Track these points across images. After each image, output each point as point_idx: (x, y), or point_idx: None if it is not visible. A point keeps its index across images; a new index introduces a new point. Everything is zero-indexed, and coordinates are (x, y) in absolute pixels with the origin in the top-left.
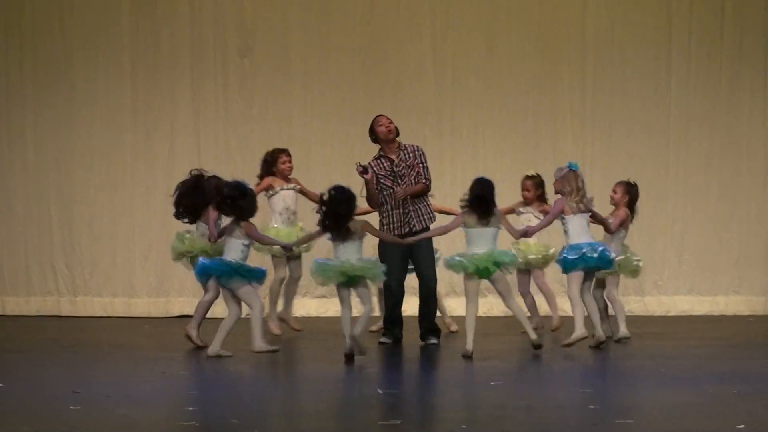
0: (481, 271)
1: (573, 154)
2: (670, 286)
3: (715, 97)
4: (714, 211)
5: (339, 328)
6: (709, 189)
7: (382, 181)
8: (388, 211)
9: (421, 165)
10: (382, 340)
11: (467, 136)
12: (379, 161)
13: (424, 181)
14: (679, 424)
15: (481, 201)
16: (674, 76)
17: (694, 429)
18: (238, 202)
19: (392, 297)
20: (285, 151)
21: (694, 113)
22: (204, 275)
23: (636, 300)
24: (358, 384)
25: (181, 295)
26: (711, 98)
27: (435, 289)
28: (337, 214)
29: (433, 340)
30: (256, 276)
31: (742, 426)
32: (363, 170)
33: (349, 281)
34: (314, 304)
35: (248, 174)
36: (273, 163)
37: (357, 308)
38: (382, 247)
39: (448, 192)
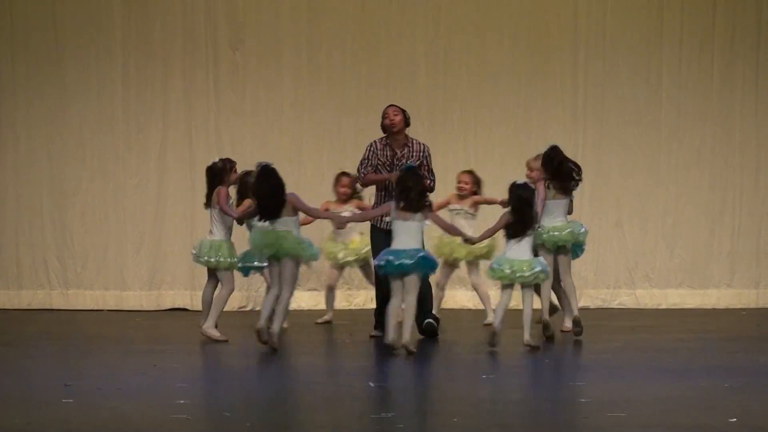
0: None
1: (565, 146)
2: (662, 279)
3: (707, 89)
4: (706, 203)
5: (335, 321)
6: (701, 181)
7: (380, 169)
8: (380, 201)
9: (425, 166)
10: (374, 333)
11: (459, 130)
12: (384, 148)
13: (427, 181)
14: (671, 417)
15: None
16: (666, 68)
17: (687, 422)
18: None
19: (383, 288)
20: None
21: (685, 106)
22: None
23: (627, 293)
24: (350, 377)
25: (172, 288)
26: (703, 90)
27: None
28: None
29: (429, 319)
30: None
31: (735, 419)
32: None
33: (277, 255)
34: (305, 296)
35: (240, 165)
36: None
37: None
38: (374, 236)
39: (439, 186)
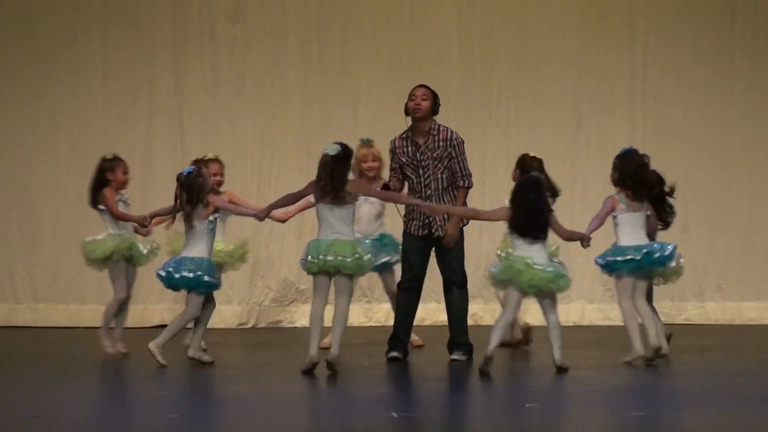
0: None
1: (621, 135)
2: (736, 290)
3: None
4: None
5: (347, 340)
6: None
7: (404, 170)
8: (412, 207)
9: (457, 159)
10: (393, 354)
11: (497, 118)
12: (405, 142)
13: (462, 183)
14: None
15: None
16: (738, 42)
17: None
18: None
19: (402, 297)
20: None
21: (762, 86)
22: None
23: (695, 306)
24: (369, 406)
25: (160, 302)
26: None
27: (465, 287)
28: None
29: (457, 356)
30: None
31: None
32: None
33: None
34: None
35: (240, 155)
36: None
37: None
38: (406, 242)
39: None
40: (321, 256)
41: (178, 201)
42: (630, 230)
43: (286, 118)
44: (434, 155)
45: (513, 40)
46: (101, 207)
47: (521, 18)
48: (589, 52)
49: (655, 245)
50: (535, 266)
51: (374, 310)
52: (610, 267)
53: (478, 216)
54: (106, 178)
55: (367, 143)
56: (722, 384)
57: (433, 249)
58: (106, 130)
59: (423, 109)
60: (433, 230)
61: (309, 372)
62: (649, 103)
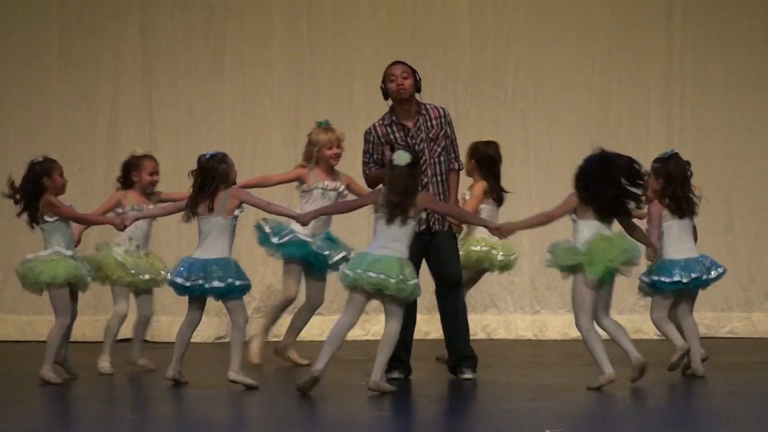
0: None
1: (656, 122)
2: None
3: None
4: None
5: (341, 356)
6: None
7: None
8: None
9: (452, 138)
10: (395, 375)
11: (513, 101)
12: (389, 128)
13: (455, 165)
14: None
15: None
16: None
17: None
18: None
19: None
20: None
21: None
22: None
23: (740, 317)
24: None
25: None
26: None
27: (461, 293)
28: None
29: (468, 375)
30: None
31: None
32: None
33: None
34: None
35: (216, 143)
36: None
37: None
38: None
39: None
40: (360, 270)
41: (198, 189)
42: (676, 240)
43: (270, 98)
44: (429, 136)
45: (531, 14)
46: (48, 218)
47: None
48: (619, 28)
49: (705, 262)
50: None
51: (372, 322)
52: (655, 286)
53: (551, 218)
54: (43, 183)
55: (327, 126)
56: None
57: (427, 247)
58: (64, 115)
59: (407, 87)
60: (431, 224)
61: (306, 389)
62: (688, 87)
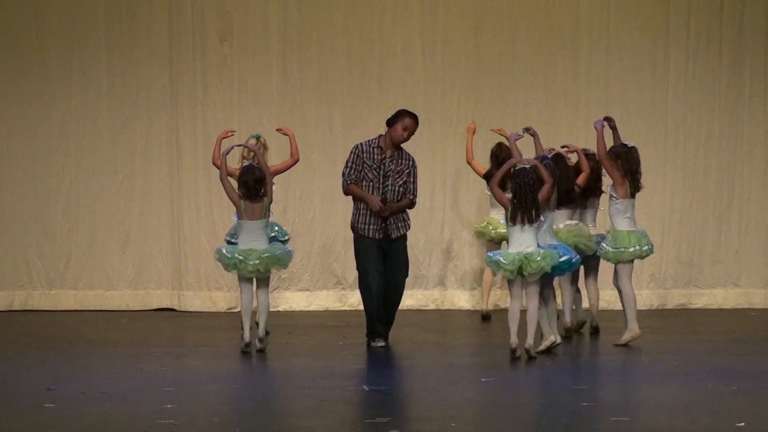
0: None
1: (567, 139)
2: (667, 278)
3: (714, 80)
4: (713, 199)
5: (323, 323)
6: (708, 176)
7: (366, 171)
8: (365, 210)
9: (411, 178)
10: (377, 344)
11: (457, 124)
12: (372, 149)
13: (410, 197)
14: (676, 422)
15: None
16: (672, 58)
17: (693, 427)
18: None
19: (373, 294)
20: None
21: (692, 97)
22: None
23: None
24: (343, 381)
25: (159, 288)
26: (710, 82)
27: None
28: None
29: (381, 343)
30: None
31: (743, 424)
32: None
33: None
34: (297, 297)
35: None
36: None
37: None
38: (358, 244)
39: (437, 180)
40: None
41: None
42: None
43: (269, 121)
44: (397, 168)
45: (471, 50)
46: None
47: (476, 30)
48: (538, 66)
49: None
50: None
51: (348, 296)
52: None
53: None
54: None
55: (258, 139)
56: (653, 361)
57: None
58: (110, 134)
59: (407, 139)
60: (389, 233)
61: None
62: (592, 112)
